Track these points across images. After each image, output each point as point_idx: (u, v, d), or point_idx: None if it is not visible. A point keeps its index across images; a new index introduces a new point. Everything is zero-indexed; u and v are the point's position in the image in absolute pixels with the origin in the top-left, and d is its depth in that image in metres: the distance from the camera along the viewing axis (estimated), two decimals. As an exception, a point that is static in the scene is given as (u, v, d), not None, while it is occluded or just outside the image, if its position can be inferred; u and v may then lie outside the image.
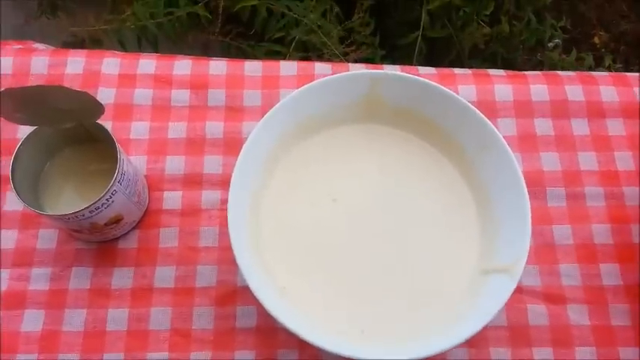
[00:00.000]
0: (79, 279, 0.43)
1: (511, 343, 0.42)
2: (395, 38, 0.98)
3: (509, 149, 0.39)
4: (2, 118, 0.46)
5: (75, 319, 0.42)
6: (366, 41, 0.95)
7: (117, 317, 0.42)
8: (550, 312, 0.43)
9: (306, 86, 0.41)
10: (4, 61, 0.51)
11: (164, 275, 0.43)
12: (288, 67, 0.52)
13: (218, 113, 0.50)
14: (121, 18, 0.82)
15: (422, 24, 0.95)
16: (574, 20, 1.28)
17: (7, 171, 0.38)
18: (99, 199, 0.38)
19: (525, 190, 0.38)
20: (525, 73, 0.52)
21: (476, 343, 0.42)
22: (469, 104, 0.40)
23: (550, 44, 1.18)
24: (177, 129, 0.49)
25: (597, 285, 0.44)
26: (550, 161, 0.48)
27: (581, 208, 0.47)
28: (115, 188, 0.39)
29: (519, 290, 0.43)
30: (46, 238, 0.45)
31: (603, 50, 1.35)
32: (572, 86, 0.51)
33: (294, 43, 0.89)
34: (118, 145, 0.39)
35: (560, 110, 0.50)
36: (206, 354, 0.41)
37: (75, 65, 0.51)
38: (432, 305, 0.39)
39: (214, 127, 0.49)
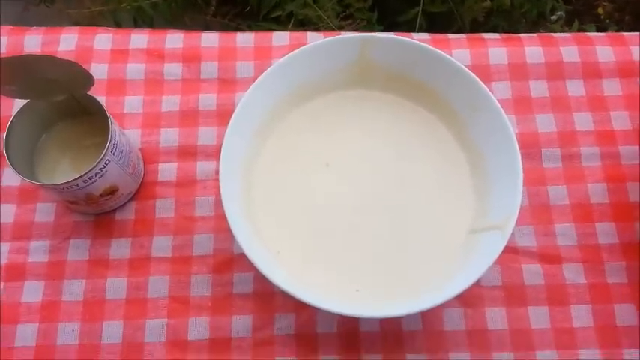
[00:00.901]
0: (78, 250, 0.44)
1: (506, 303, 0.42)
2: (394, 15, 0.98)
3: (500, 109, 0.39)
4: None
5: (74, 289, 0.43)
6: (363, 16, 0.94)
7: (116, 286, 0.43)
8: (545, 271, 0.43)
9: (296, 51, 0.41)
10: (-2, 40, 0.51)
11: (161, 245, 0.44)
12: (280, 38, 0.52)
13: (211, 85, 0.50)
14: (116, -1, 0.82)
15: (422, -1, 0.94)
16: (577, -10, 1.26)
17: (1, 147, 0.38)
18: (92, 169, 0.39)
19: (517, 146, 0.38)
20: (520, 35, 0.51)
21: (471, 302, 0.42)
22: (460, 65, 0.40)
23: (552, 17, 1.17)
24: (170, 102, 0.49)
25: (593, 244, 0.44)
26: (545, 123, 0.48)
27: (576, 169, 0.46)
28: (107, 158, 0.39)
29: (514, 250, 0.44)
30: (44, 211, 0.45)
31: (607, 21, 1.33)
32: (568, 47, 0.50)
33: (292, 21, 0.88)
34: (109, 116, 0.40)
35: (555, 72, 0.49)
36: (204, 319, 0.42)
37: (68, 42, 0.51)
38: (426, 264, 0.39)
39: (207, 99, 0.49)
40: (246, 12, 0.88)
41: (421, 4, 0.94)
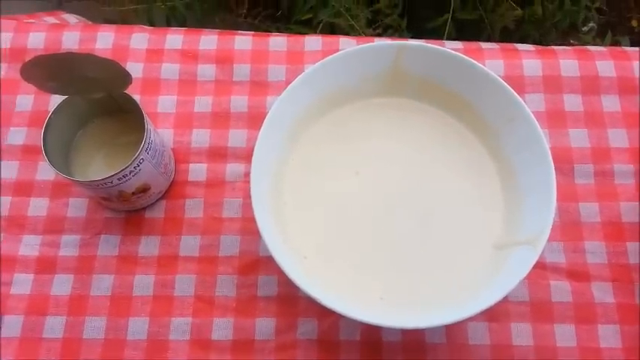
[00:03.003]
0: (108, 246, 0.44)
1: (533, 319, 0.42)
2: (423, 21, 0.97)
3: (535, 120, 0.38)
4: (35, 89, 0.48)
5: (102, 284, 0.43)
6: (393, 24, 0.94)
7: (143, 283, 0.43)
8: (574, 289, 0.43)
9: (329, 57, 0.41)
10: (36, 37, 0.52)
11: (189, 244, 0.45)
12: (312, 43, 0.52)
13: (243, 88, 0.50)
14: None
15: (452, 6, 0.93)
16: (610, 2, 1.24)
17: (39, 140, 0.39)
18: (127, 167, 0.39)
19: (551, 160, 0.37)
20: (554, 48, 0.51)
21: (497, 317, 0.42)
22: (495, 75, 0.40)
23: (584, 28, 1.15)
24: (203, 103, 0.50)
25: (623, 263, 0.43)
26: (579, 138, 0.47)
27: (609, 186, 0.46)
28: (142, 156, 0.40)
29: (543, 266, 0.43)
30: (77, 206, 0.46)
31: (642, 34, 1.30)
32: (603, 61, 0.49)
33: (320, 26, 0.88)
34: (145, 115, 0.40)
35: (590, 86, 0.49)
36: (228, 320, 0.42)
37: (105, 40, 0.52)
38: (453, 276, 0.39)
39: (239, 102, 0.50)
40: (277, 15, 0.88)
41: (451, 11, 0.93)
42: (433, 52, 0.41)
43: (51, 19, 0.55)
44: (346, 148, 0.44)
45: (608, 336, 0.41)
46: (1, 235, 0.45)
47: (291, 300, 0.43)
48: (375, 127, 0.44)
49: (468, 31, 1.01)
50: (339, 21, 0.87)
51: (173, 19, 0.83)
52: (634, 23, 1.32)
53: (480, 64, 0.40)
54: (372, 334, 0.41)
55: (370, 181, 0.42)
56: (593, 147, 0.47)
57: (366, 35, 0.88)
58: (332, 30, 0.89)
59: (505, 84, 0.40)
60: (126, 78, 0.39)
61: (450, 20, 0.94)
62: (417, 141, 0.43)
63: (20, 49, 0.51)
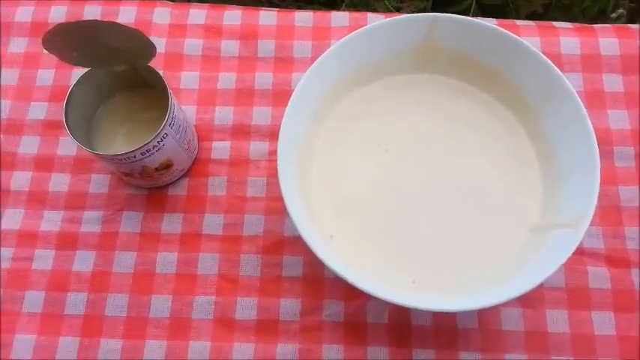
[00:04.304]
0: (130, 223, 0.44)
1: (569, 306, 0.40)
2: (447, 6, 0.95)
3: (578, 98, 0.36)
4: (56, 63, 0.47)
5: (125, 261, 0.42)
6: (417, 8, 0.92)
7: (166, 261, 0.42)
8: (612, 275, 0.41)
9: (359, 30, 0.39)
10: (57, 11, 0.51)
11: (212, 222, 0.43)
12: (339, 18, 0.50)
13: (267, 64, 0.49)
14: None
15: (477, -10, 0.91)
16: (640, -13, 1.20)
17: (61, 115, 0.38)
18: (150, 141, 0.38)
19: (594, 139, 0.35)
20: (594, 26, 0.48)
21: (531, 303, 0.40)
22: (535, 49, 0.38)
23: (613, 14, 1.11)
24: (226, 80, 0.48)
25: (666, 249, 0.41)
26: (618, 119, 0.45)
27: (650, 169, 0.44)
28: (165, 131, 0.39)
29: (580, 252, 0.41)
30: (99, 182, 0.45)
31: (672, 21, 1.26)
32: (646, 40, 0.47)
33: (345, 1, 0.86)
34: (169, 89, 0.39)
35: (631, 65, 0.47)
36: (252, 300, 0.41)
37: (127, 14, 0.51)
38: (488, 259, 0.37)
39: (263, 78, 0.48)
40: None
41: (475, -5, 0.91)
42: (468, 25, 0.39)
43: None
44: (375, 126, 0.42)
45: (649, 325, 0.39)
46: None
47: (317, 281, 0.41)
48: (406, 104, 0.43)
49: (492, 17, 0.98)
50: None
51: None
52: (665, 9, 1.28)
53: (519, 37, 0.38)
54: (401, 318, 0.40)
55: (400, 160, 0.41)
56: (633, 129, 0.45)
57: (394, 10, 0.86)
58: (355, 9, 0.87)
59: (545, 59, 0.38)
60: (150, 49, 0.37)
61: (474, 4, 0.91)
62: (449, 119, 0.42)
63: (41, 22, 0.50)
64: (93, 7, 0.51)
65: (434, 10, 0.93)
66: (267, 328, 0.40)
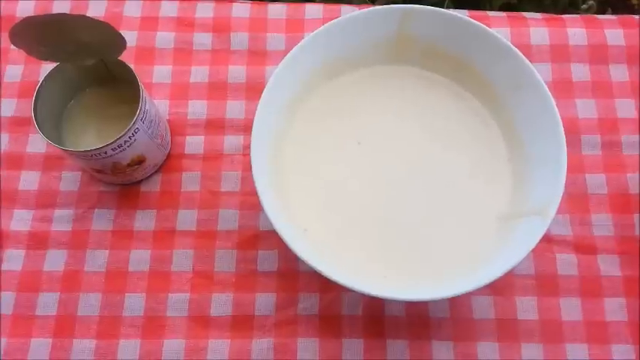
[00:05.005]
0: (102, 220, 0.43)
1: (538, 292, 0.41)
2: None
3: (545, 87, 0.37)
4: (24, 58, 0.46)
5: (97, 260, 0.42)
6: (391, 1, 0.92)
7: (139, 258, 0.42)
8: (580, 262, 0.42)
9: (332, 22, 0.39)
10: (25, 5, 0.50)
11: (186, 218, 0.43)
12: (313, 11, 0.50)
13: (241, 57, 0.49)
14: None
15: (450, -18, 0.92)
16: (610, -22, 1.22)
17: (30, 112, 0.38)
18: (121, 136, 0.38)
19: (561, 128, 0.36)
20: (563, 16, 0.49)
21: (501, 290, 0.41)
22: (505, 40, 0.38)
23: (583, 5, 1.13)
24: (199, 73, 0.48)
25: (630, 235, 0.42)
26: (586, 108, 0.46)
27: (616, 157, 0.45)
28: (137, 126, 0.38)
29: (548, 239, 0.42)
30: (69, 180, 0.44)
31: (642, 11, 1.28)
32: (613, 30, 0.48)
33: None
34: (140, 83, 0.39)
35: (598, 55, 0.47)
36: (228, 296, 0.41)
37: (97, 8, 0.50)
38: (458, 250, 0.38)
39: (237, 72, 0.48)
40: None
41: (449, -13, 0.91)
42: (439, 16, 0.39)
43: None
44: (348, 118, 0.42)
45: (615, 310, 0.41)
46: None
47: (292, 275, 0.42)
48: (378, 96, 0.43)
49: (466, 8, 0.99)
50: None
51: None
52: (634, 1, 1.30)
53: (489, 28, 0.39)
54: (374, 309, 0.41)
55: (373, 152, 0.41)
56: (600, 117, 0.46)
57: (368, 1, 0.86)
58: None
59: (514, 48, 0.38)
60: (120, 42, 0.37)
61: (447, -3, 0.92)
62: (421, 110, 0.42)
63: (8, 16, 0.49)
64: (62, 2, 0.50)
65: (405, 3, 0.94)
66: (242, 324, 0.40)
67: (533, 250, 0.34)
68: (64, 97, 0.42)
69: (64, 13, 0.34)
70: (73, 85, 0.42)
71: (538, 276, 0.41)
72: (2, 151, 0.45)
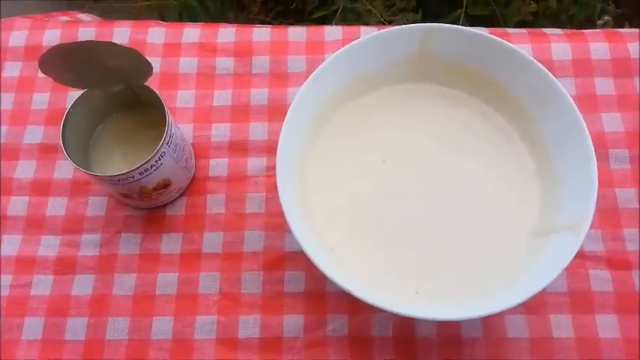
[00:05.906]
0: (129, 245, 0.43)
1: (572, 310, 0.40)
2: (436, 18, 0.96)
3: (571, 101, 0.37)
4: (51, 86, 0.47)
5: (124, 284, 0.42)
6: (407, 17, 0.93)
7: (166, 282, 0.42)
8: (614, 277, 0.41)
9: (353, 42, 0.40)
10: (51, 34, 0.51)
11: (212, 241, 0.43)
12: (332, 32, 0.51)
13: (262, 80, 0.49)
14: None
15: (464, 1, 0.92)
16: (628, -7, 1.22)
17: (58, 138, 0.38)
18: (148, 160, 0.38)
19: (590, 141, 0.35)
20: (584, 31, 0.49)
21: (535, 309, 0.40)
22: (527, 55, 0.38)
23: (599, 21, 1.13)
24: (222, 97, 0.48)
25: (665, 249, 0.41)
26: (612, 122, 0.45)
27: (646, 170, 0.44)
28: (163, 150, 0.39)
29: (581, 255, 0.41)
30: (96, 205, 0.45)
31: (658, 25, 1.27)
32: (634, 43, 0.48)
33: (336, 16, 0.87)
34: (166, 108, 0.39)
35: (622, 68, 0.47)
36: (255, 317, 0.41)
37: (121, 35, 0.51)
38: (489, 267, 0.37)
39: (259, 94, 0.48)
40: (291, 9, 0.87)
41: (464, 7, 0.92)
42: (461, 34, 0.39)
43: (65, 18, 0.54)
44: (372, 136, 0.42)
45: (653, 326, 0.39)
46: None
47: (320, 296, 0.41)
48: (401, 114, 0.43)
49: (481, 27, 0.99)
50: (357, 6, 0.85)
51: (186, 16, 0.82)
52: (650, 14, 1.29)
53: (511, 44, 0.39)
54: (405, 330, 0.40)
55: (398, 169, 0.41)
56: (627, 131, 0.45)
57: (386, 23, 0.86)
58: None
59: (537, 63, 0.38)
60: (146, 68, 0.38)
61: (462, 16, 0.92)
62: (445, 127, 0.42)
63: (36, 46, 0.51)
64: (87, 30, 0.51)
65: (424, 21, 0.94)
66: (271, 346, 0.40)
67: (565, 267, 0.33)
68: (91, 123, 0.43)
69: (93, 41, 0.34)
70: (99, 111, 0.43)
71: (571, 293, 0.40)
72: (31, 177, 0.46)
